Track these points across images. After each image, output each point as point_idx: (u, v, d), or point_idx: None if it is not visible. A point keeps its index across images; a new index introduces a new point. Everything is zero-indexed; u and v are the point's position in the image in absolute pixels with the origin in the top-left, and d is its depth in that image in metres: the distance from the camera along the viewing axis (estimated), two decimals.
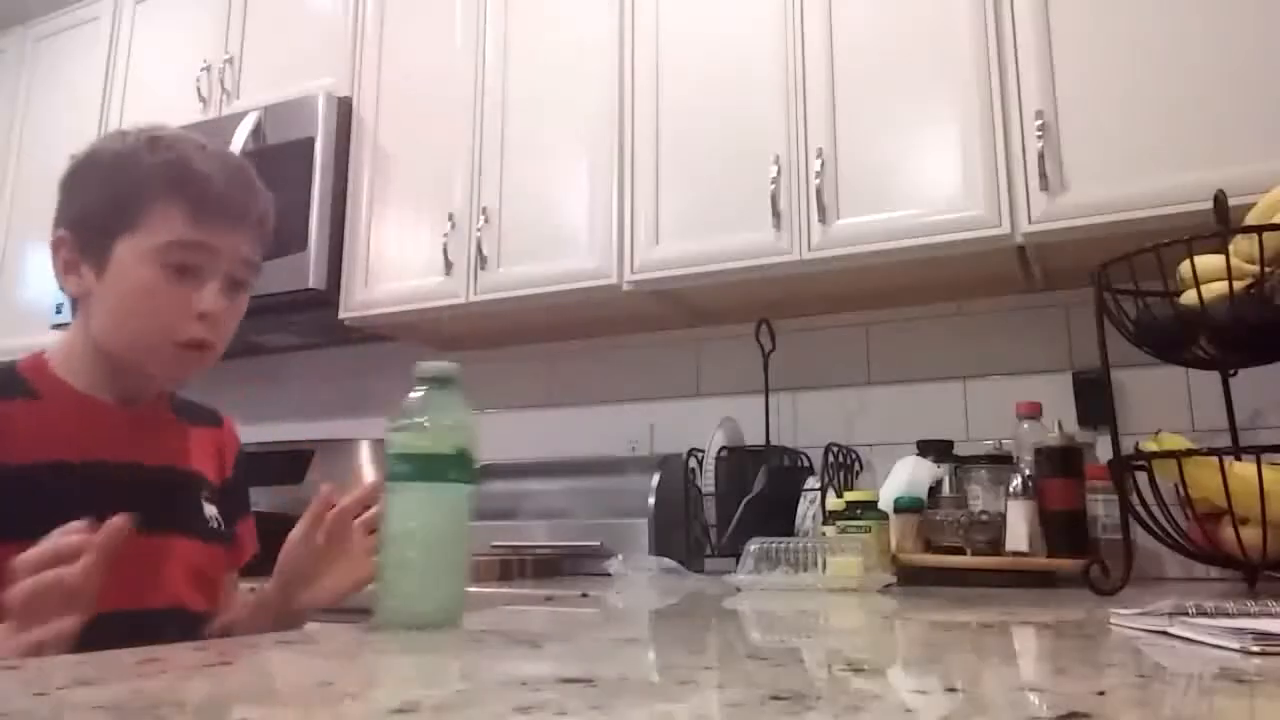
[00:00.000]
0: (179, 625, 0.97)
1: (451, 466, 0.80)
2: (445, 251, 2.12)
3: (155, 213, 0.95)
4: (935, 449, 1.66)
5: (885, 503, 1.53)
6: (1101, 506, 1.54)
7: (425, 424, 0.80)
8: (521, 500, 2.05)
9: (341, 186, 2.31)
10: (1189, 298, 1.17)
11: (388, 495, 0.80)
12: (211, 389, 2.07)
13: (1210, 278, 1.15)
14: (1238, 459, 1.14)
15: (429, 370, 0.82)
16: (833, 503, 1.57)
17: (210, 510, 1.06)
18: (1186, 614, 0.72)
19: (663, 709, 0.43)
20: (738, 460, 1.88)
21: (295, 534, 1.01)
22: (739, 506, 1.78)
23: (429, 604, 0.79)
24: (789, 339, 2.06)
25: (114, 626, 0.88)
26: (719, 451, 1.89)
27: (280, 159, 2.30)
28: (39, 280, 2.66)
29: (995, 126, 1.66)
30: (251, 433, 2.59)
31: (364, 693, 0.49)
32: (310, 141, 2.27)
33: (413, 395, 0.82)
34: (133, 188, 0.96)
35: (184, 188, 0.96)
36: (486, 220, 2.10)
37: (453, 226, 2.13)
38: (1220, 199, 1.19)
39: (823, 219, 1.76)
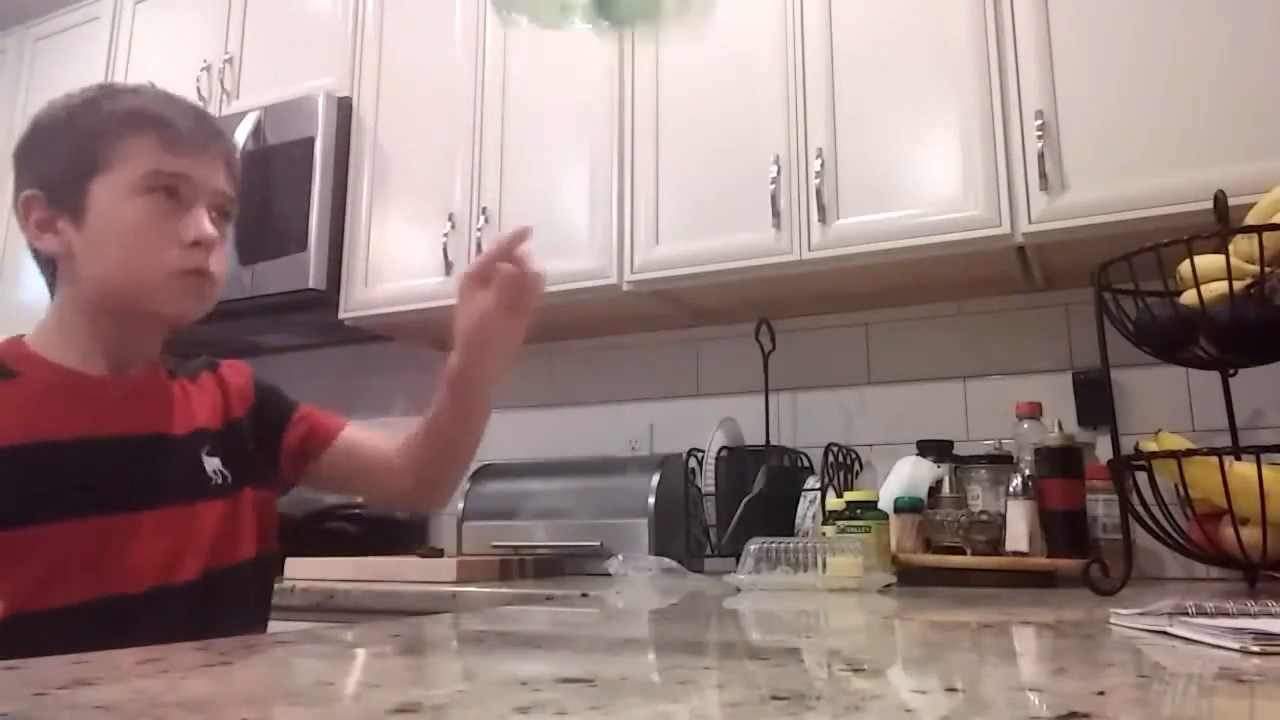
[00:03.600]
0: (211, 592, 0.95)
1: None
2: (445, 251, 2.12)
3: (127, 146, 0.93)
4: (935, 449, 1.66)
5: (885, 503, 1.53)
6: (1101, 506, 1.54)
7: None
8: (521, 500, 2.05)
9: (341, 186, 2.31)
10: (1189, 298, 1.17)
11: None
12: None
13: (1210, 278, 1.15)
14: (1238, 459, 1.14)
15: None
16: (833, 503, 1.57)
17: (212, 464, 1.01)
18: (1186, 614, 0.72)
19: (663, 709, 0.43)
20: (738, 460, 1.88)
21: (469, 290, 1.01)
22: (739, 506, 1.78)
23: None
24: (789, 339, 2.06)
25: (136, 609, 0.88)
26: (719, 451, 1.89)
27: (280, 159, 2.30)
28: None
29: (995, 126, 1.66)
30: None
31: (364, 693, 0.49)
32: (310, 141, 2.27)
33: None
34: (97, 130, 0.94)
35: (151, 122, 0.95)
36: (486, 220, 2.10)
37: (453, 226, 2.13)
38: (1220, 199, 1.19)
39: (823, 219, 1.76)
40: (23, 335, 0.98)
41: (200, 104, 2.47)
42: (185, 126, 0.96)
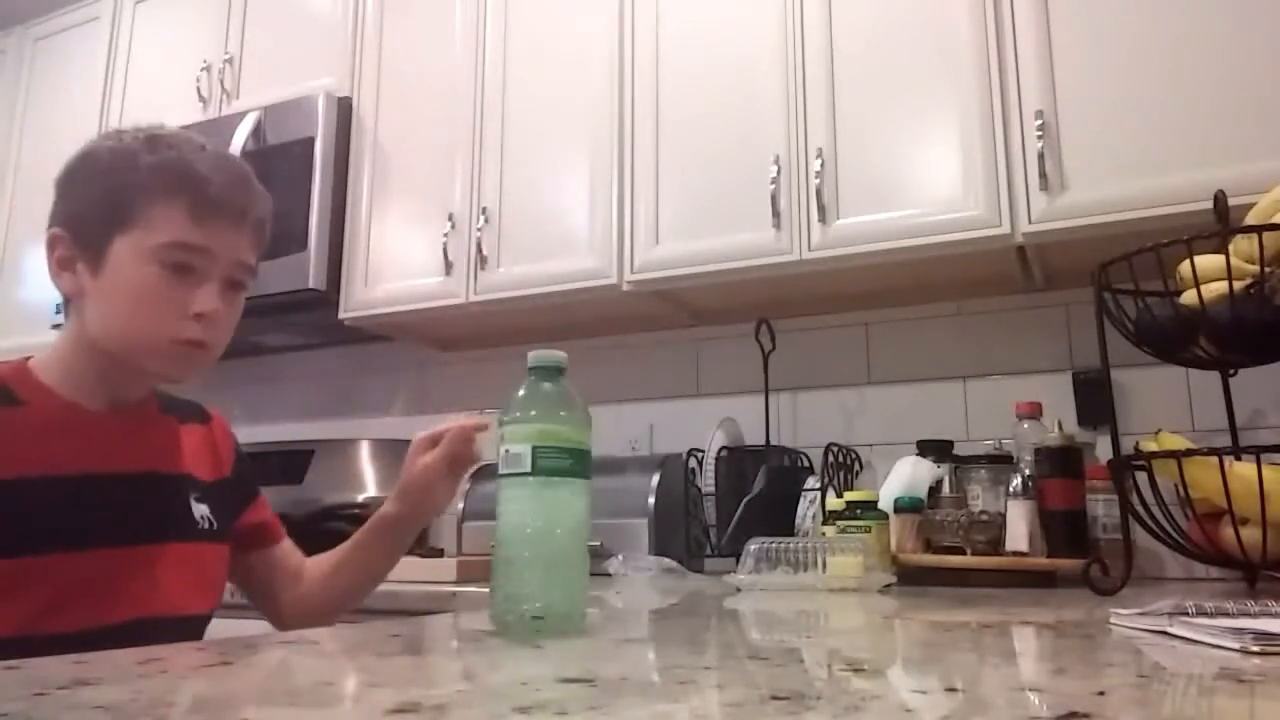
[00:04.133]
0: (178, 631, 0.97)
1: (587, 460, 0.78)
2: (445, 251, 2.12)
3: (155, 211, 0.94)
4: (935, 449, 1.66)
5: (885, 503, 1.52)
6: (1101, 506, 1.54)
7: (571, 415, 0.77)
8: None
9: (341, 186, 2.31)
10: (1189, 298, 1.17)
11: (514, 489, 0.76)
12: (212, 389, 2.08)
13: (1210, 278, 1.15)
14: (1238, 459, 1.14)
15: (542, 359, 0.79)
16: (833, 503, 1.57)
17: (201, 510, 1.05)
18: (1186, 614, 0.72)
19: (663, 709, 0.43)
20: (738, 460, 1.88)
21: (420, 449, 1.13)
22: (739, 506, 1.78)
23: (566, 606, 0.76)
24: (789, 339, 2.06)
25: (107, 640, 0.88)
26: (719, 451, 1.89)
27: (280, 159, 2.30)
28: (39, 280, 2.66)
29: (995, 126, 1.66)
30: (251, 433, 2.60)
31: (364, 693, 0.49)
32: (310, 141, 2.27)
33: (526, 387, 0.79)
34: (131, 186, 0.95)
35: (184, 187, 0.95)
36: (486, 220, 2.10)
37: (453, 226, 2.13)
38: (1220, 199, 1.19)
39: (823, 219, 1.76)
40: (29, 359, 1.00)
41: (197, 117, 2.50)
42: (219, 194, 0.97)
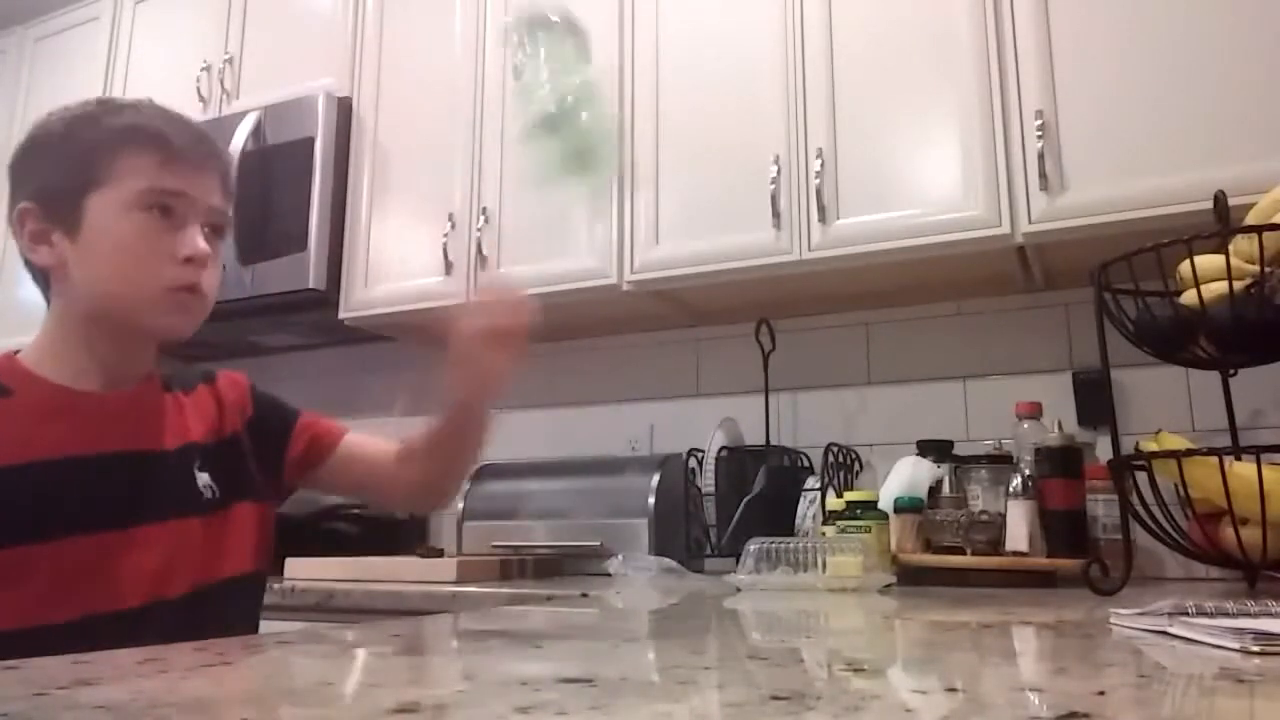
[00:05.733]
0: (208, 606, 0.96)
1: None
2: (445, 251, 2.12)
3: (123, 163, 0.94)
4: (935, 449, 1.66)
5: (885, 503, 1.53)
6: (1101, 506, 1.54)
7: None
8: (521, 500, 2.05)
9: (341, 186, 2.31)
10: (1189, 298, 1.17)
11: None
12: None
13: (1210, 278, 1.15)
14: (1238, 459, 1.14)
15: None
16: (833, 503, 1.57)
17: (203, 479, 1.02)
18: (1186, 614, 0.72)
19: (663, 709, 0.43)
20: (738, 460, 1.88)
21: (463, 321, 1.08)
22: (739, 506, 1.78)
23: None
24: (789, 339, 2.06)
25: (117, 627, 0.88)
26: (719, 451, 1.89)
27: (280, 159, 2.30)
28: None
29: (995, 126, 1.66)
30: None
31: (364, 693, 0.49)
32: (310, 141, 2.27)
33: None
34: (96, 145, 0.95)
35: (149, 138, 0.95)
36: (486, 220, 2.10)
37: (453, 226, 2.13)
38: (1220, 199, 1.19)
39: (823, 219, 1.76)
40: (17, 351, 0.99)
41: (197, 117, 2.50)
42: (183, 143, 0.97)
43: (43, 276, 0.99)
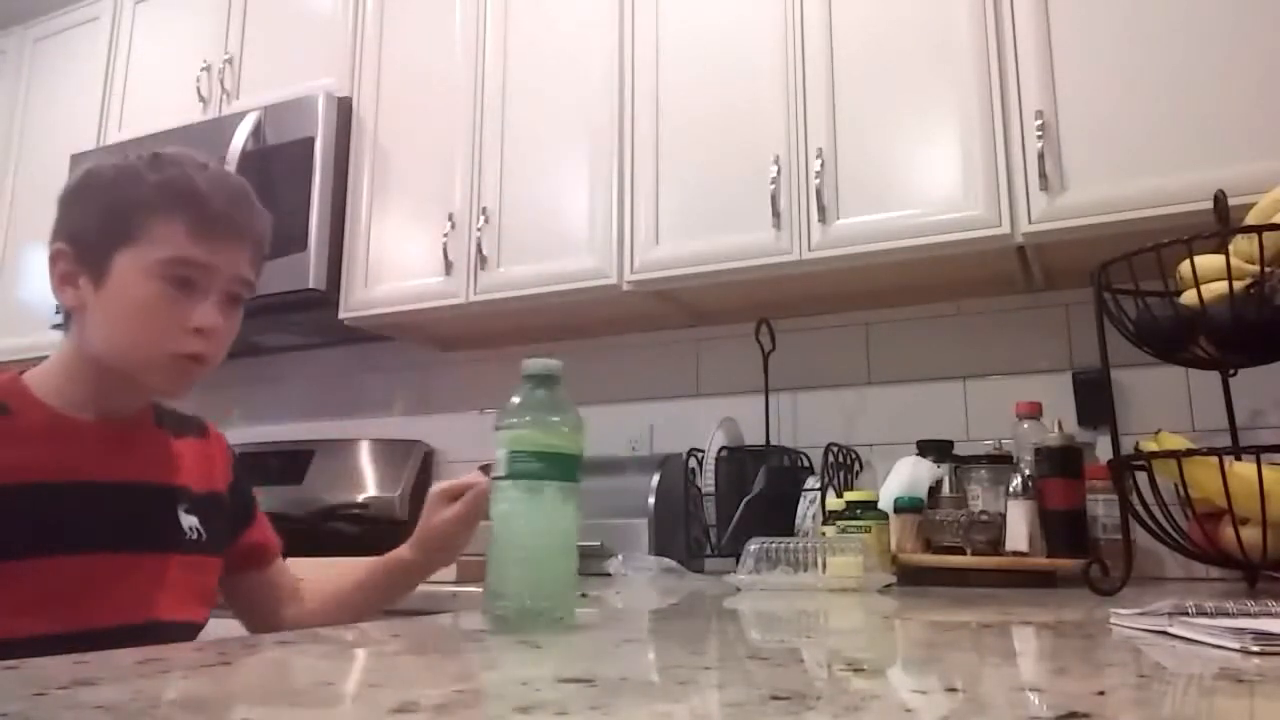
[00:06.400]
0: (161, 639, 0.97)
1: (577, 464, 0.81)
2: (445, 251, 2.12)
3: (157, 227, 0.96)
4: (935, 449, 1.66)
5: (885, 503, 1.52)
6: (1101, 506, 1.54)
7: (558, 421, 0.80)
8: None
9: (341, 186, 2.31)
10: (1189, 298, 1.17)
11: (505, 492, 0.80)
12: (213, 389, 2.08)
13: (1210, 278, 1.15)
14: (1238, 459, 1.14)
15: (536, 367, 0.82)
16: (833, 503, 1.57)
17: (189, 521, 1.05)
18: (1186, 614, 0.72)
19: (663, 709, 0.43)
20: (738, 460, 1.88)
21: (440, 502, 1.09)
22: (739, 506, 1.78)
23: (538, 604, 0.79)
24: (789, 339, 2.06)
25: (90, 644, 0.88)
26: (719, 451, 1.89)
27: (280, 159, 2.30)
28: (39, 280, 2.66)
29: (995, 126, 1.66)
30: (251, 433, 2.60)
31: (364, 693, 0.49)
32: (310, 141, 2.27)
33: (520, 393, 0.82)
34: (135, 202, 0.96)
35: (186, 204, 0.97)
36: (486, 220, 2.10)
37: (453, 226, 2.13)
38: (1220, 199, 1.19)
39: (823, 219, 1.76)
40: (23, 371, 1.02)
41: (197, 117, 2.50)
42: (219, 210, 0.98)
43: (66, 312, 1.02)
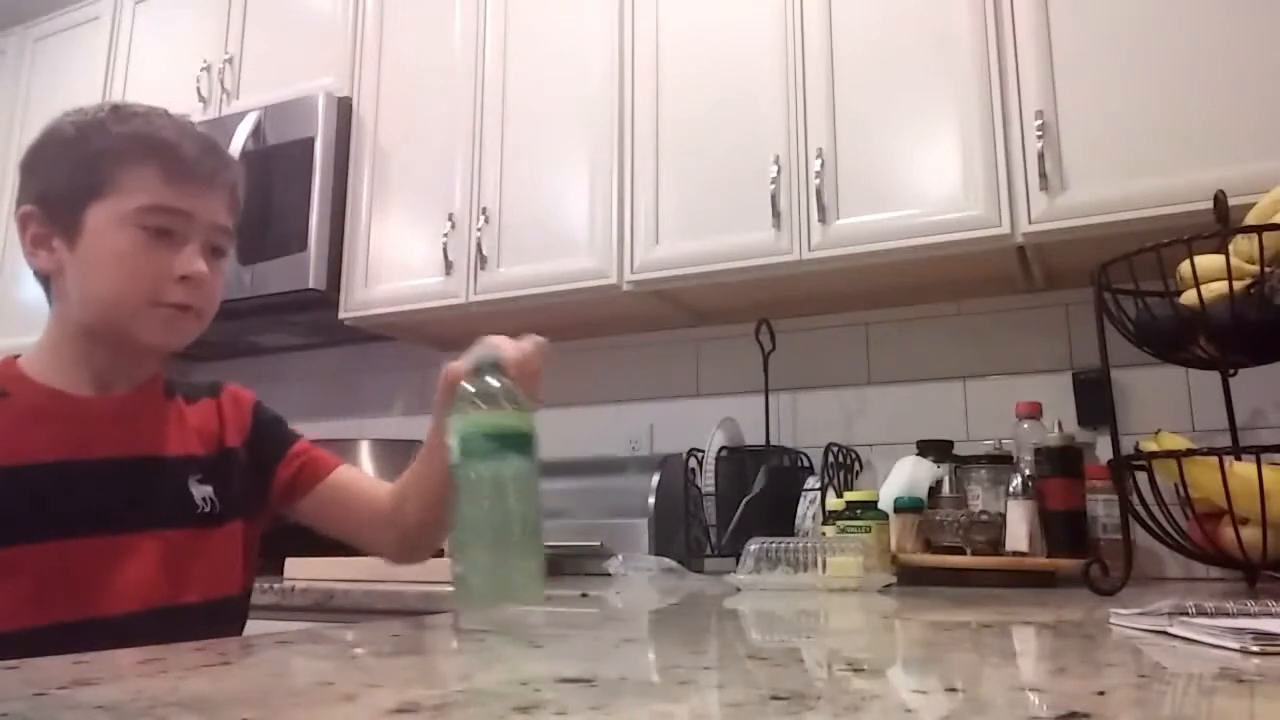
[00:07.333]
0: (176, 625, 0.95)
1: (533, 442, 0.87)
2: (445, 251, 2.12)
3: (128, 176, 0.93)
4: (935, 449, 1.66)
5: (885, 503, 1.52)
6: (1101, 506, 1.54)
7: (511, 404, 0.86)
8: None
9: (341, 186, 2.31)
10: (1189, 298, 1.17)
11: (469, 470, 0.82)
12: None
13: (1210, 278, 1.15)
14: (1238, 459, 1.14)
15: (490, 356, 0.89)
16: (833, 503, 1.57)
17: (203, 492, 1.00)
18: (1186, 614, 0.72)
19: (663, 709, 0.43)
20: (738, 460, 1.88)
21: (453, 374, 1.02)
22: (739, 506, 1.78)
23: (521, 576, 0.80)
24: (789, 339, 2.06)
25: (98, 634, 0.87)
26: (719, 451, 1.89)
27: (280, 159, 2.30)
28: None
29: (995, 126, 1.66)
30: None
31: (364, 693, 0.49)
32: (310, 141, 2.27)
33: (472, 379, 0.87)
34: (102, 153, 0.93)
35: (157, 151, 0.94)
36: (486, 220, 2.10)
37: (453, 226, 2.13)
38: (1220, 199, 1.19)
39: (823, 219, 1.76)
40: (17, 355, 0.99)
41: (197, 117, 2.50)
42: (191, 157, 0.95)
43: (43, 280, 0.99)
